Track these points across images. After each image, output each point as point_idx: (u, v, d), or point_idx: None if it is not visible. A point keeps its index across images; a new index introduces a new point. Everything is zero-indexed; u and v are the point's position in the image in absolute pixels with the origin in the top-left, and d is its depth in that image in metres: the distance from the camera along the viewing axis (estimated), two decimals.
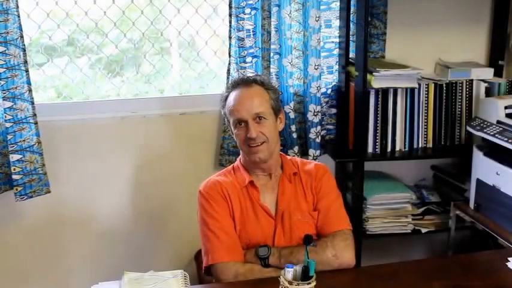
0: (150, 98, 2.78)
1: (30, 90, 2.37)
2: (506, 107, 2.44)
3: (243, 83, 2.00)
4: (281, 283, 1.51)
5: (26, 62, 2.35)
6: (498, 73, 2.88)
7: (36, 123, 2.41)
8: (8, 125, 2.36)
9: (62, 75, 2.70)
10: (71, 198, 2.70)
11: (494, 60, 2.94)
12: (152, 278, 1.74)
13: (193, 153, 2.78)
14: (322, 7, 2.69)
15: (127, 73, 2.78)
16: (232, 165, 2.10)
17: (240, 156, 2.07)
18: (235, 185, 2.00)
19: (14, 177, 2.40)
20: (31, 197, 2.45)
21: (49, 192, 2.50)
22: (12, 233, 2.68)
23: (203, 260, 1.95)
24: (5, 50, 2.30)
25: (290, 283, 1.50)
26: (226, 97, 2.01)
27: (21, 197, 2.43)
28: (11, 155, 2.37)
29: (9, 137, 2.36)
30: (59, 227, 2.72)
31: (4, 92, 2.33)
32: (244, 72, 2.64)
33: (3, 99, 2.35)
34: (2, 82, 2.33)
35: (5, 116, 2.36)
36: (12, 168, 2.38)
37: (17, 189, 2.42)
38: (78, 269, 2.78)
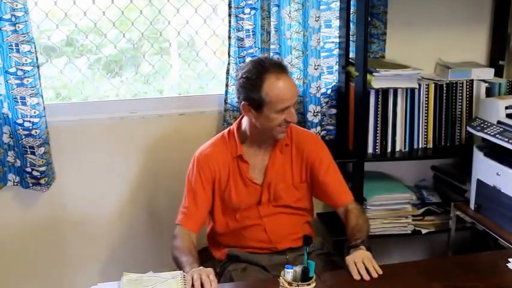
0: (149, 99, 2.78)
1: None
2: (506, 107, 2.44)
3: (278, 67, 2.04)
4: (281, 284, 1.51)
5: (37, 59, 2.46)
6: (498, 73, 2.88)
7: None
8: (36, 120, 2.47)
9: (60, 75, 2.69)
10: (70, 198, 2.70)
11: (494, 60, 2.93)
12: (151, 279, 1.73)
13: (192, 153, 2.76)
14: (322, 7, 2.69)
15: (126, 73, 2.78)
16: (227, 130, 2.21)
17: (237, 126, 2.18)
18: (227, 156, 2.15)
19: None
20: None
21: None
22: (12, 233, 2.67)
23: None
24: (30, 49, 2.38)
25: (290, 284, 1.49)
26: (259, 81, 2.01)
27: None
28: (39, 148, 2.49)
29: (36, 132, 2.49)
30: (57, 227, 2.72)
31: (32, 88, 2.43)
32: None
33: (31, 96, 2.43)
34: (30, 79, 2.41)
35: (34, 112, 2.45)
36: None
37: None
38: (77, 269, 2.78)
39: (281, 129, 2.06)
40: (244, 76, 2.04)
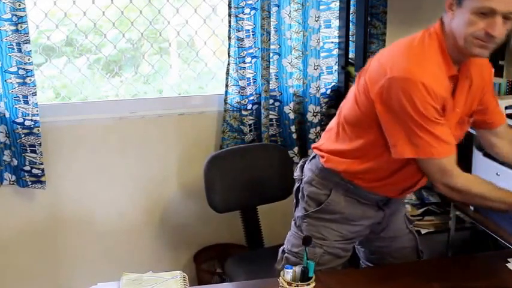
0: (149, 99, 2.78)
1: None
2: (506, 107, 2.44)
3: None
4: (280, 284, 1.50)
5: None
6: (498, 73, 2.87)
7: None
8: (37, 118, 2.48)
9: (60, 75, 2.69)
10: (69, 198, 2.70)
11: (494, 60, 2.92)
12: (151, 279, 1.73)
13: (192, 153, 2.77)
14: (321, 7, 2.69)
15: (126, 73, 2.78)
16: (430, 33, 1.71)
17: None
18: (446, 79, 1.68)
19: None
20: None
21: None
22: (11, 233, 2.67)
23: None
24: (30, 50, 2.41)
25: (289, 284, 1.49)
26: None
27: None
28: (40, 147, 2.51)
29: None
30: (57, 227, 2.72)
31: (34, 87, 2.45)
32: (243, 72, 2.63)
33: (32, 95, 2.45)
34: (32, 79, 2.43)
35: (36, 110, 2.47)
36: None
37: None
38: (76, 270, 2.78)
39: (477, 42, 1.60)
40: None
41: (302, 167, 1.96)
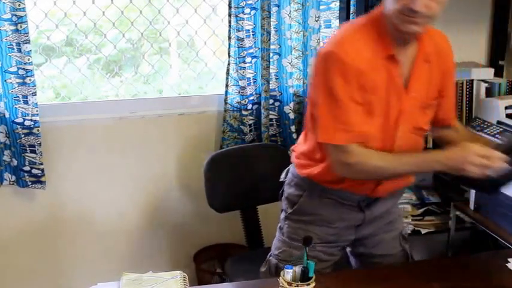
0: (149, 99, 2.78)
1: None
2: (506, 107, 2.44)
3: None
4: (280, 284, 1.50)
5: None
6: (498, 73, 2.87)
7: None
8: (37, 118, 2.48)
9: (60, 75, 2.69)
10: (69, 198, 2.70)
11: (494, 60, 2.93)
12: (151, 279, 1.73)
13: (192, 153, 2.77)
14: (321, 7, 2.69)
15: (126, 73, 2.78)
16: (371, 16, 1.69)
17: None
18: (375, 57, 1.64)
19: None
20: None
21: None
22: (11, 233, 2.67)
23: None
24: (30, 50, 2.41)
25: (289, 284, 1.49)
26: None
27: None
28: (40, 147, 2.51)
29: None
30: (58, 227, 2.72)
31: (34, 87, 2.46)
32: (243, 72, 2.63)
33: (32, 95, 2.45)
34: (32, 79, 2.43)
35: (36, 111, 2.47)
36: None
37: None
38: (76, 270, 2.78)
39: (403, 17, 1.57)
40: None
41: (288, 170, 1.95)
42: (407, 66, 1.70)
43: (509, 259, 1.84)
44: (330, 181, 1.78)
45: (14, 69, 2.41)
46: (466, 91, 2.76)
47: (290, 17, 2.61)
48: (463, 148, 1.62)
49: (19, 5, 2.34)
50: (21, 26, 2.36)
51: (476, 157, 1.58)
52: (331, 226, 1.85)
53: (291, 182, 1.90)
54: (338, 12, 2.73)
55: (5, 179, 2.56)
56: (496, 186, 1.71)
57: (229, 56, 2.63)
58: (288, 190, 1.91)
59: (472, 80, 2.75)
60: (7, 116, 2.46)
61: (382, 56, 1.64)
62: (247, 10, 2.57)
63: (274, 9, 2.60)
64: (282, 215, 1.93)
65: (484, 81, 2.76)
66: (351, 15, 2.70)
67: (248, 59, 2.63)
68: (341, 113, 1.63)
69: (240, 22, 2.57)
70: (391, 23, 1.62)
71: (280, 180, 1.97)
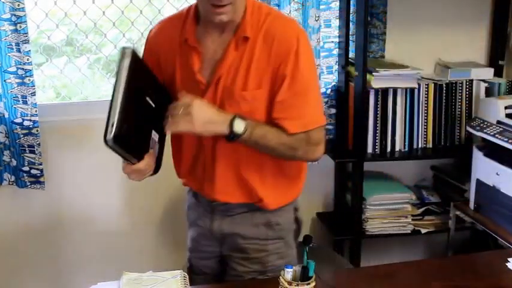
0: None
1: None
2: (506, 107, 2.44)
3: None
4: (280, 283, 1.51)
5: None
6: (498, 73, 2.88)
7: None
8: (36, 118, 2.48)
9: (60, 75, 2.69)
10: (69, 198, 2.70)
11: (494, 60, 2.93)
12: (151, 279, 1.73)
13: None
14: (321, 7, 2.68)
15: None
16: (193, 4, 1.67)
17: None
18: (175, 37, 1.65)
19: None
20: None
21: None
22: (11, 233, 2.67)
23: None
24: (29, 50, 2.40)
25: (289, 283, 1.49)
26: None
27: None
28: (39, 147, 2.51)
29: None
30: (58, 227, 2.72)
31: (33, 87, 2.45)
32: None
33: (32, 95, 2.45)
34: (32, 79, 2.43)
35: (36, 111, 2.47)
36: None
37: None
38: (76, 269, 2.78)
39: (212, 8, 1.53)
40: None
41: None
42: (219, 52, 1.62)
43: (509, 259, 1.84)
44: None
45: (13, 69, 2.41)
46: (466, 91, 2.76)
47: (290, 16, 2.61)
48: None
49: (18, 5, 2.34)
50: (20, 26, 2.36)
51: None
52: (192, 228, 1.94)
53: None
54: (338, 11, 2.73)
55: (4, 179, 2.55)
56: None
57: None
58: None
59: (472, 80, 2.76)
60: (6, 116, 2.46)
61: (182, 39, 1.64)
62: None
63: None
64: None
65: (484, 81, 2.76)
66: (350, 15, 2.70)
67: None
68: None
69: None
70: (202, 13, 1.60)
71: None
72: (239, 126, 1.55)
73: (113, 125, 1.48)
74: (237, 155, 1.66)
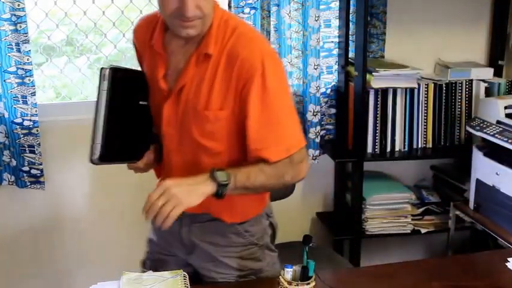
0: None
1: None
2: (506, 107, 2.44)
3: None
4: (280, 283, 1.51)
5: None
6: (498, 73, 2.88)
7: None
8: (36, 118, 2.48)
9: (60, 75, 2.69)
10: (68, 198, 2.70)
11: (494, 60, 2.93)
12: (151, 278, 1.73)
13: None
14: (321, 7, 2.69)
15: None
16: None
17: None
18: (146, 40, 1.65)
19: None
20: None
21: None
22: (11, 233, 2.67)
23: None
24: (29, 50, 2.40)
25: (289, 283, 1.49)
26: None
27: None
28: (39, 147, 2.51)
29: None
30: (57, 226, 2.72)
31: (33, 87, 2.46)
32: None
33: (32, 95, 2.45)
34: (32, 79, 2.43)
35: (35, 111, 2.47)
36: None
37: None
38: (76, 269, 2.78)
39: (179, 22, 1.47)
40: None
41: None
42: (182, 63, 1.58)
43: (508, 259, 1.84)
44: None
45: (13, 69, 2.41)
46: (466, 91, 2.77)
47: (290, 16, 2.61)
48: None
49: (18, 5, 2.34)
50: (20, 26, 2.36)
51: None
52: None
53: None
54: (338, 11, 2.74)
55: (4, 179, 2.55)
56: None
57: None
58: None
59: (472, 80, 2.76)
60: (6, 116, 2.46)
61: (151, 45, 1.62)
62: (246, 10, 2.57)
63: (274, 9, 2.60)
64: None
65: (484, 81, 2.76)
66: (350, 15, 2.70)
67: None
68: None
69: None
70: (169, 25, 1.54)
71: None
72: (221, 175, 1.47)
73: (96, 147, 1.54)
74: (188, 172, 1.57)
